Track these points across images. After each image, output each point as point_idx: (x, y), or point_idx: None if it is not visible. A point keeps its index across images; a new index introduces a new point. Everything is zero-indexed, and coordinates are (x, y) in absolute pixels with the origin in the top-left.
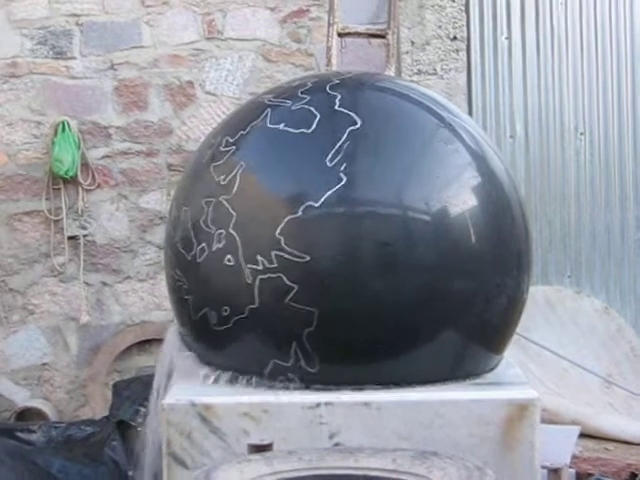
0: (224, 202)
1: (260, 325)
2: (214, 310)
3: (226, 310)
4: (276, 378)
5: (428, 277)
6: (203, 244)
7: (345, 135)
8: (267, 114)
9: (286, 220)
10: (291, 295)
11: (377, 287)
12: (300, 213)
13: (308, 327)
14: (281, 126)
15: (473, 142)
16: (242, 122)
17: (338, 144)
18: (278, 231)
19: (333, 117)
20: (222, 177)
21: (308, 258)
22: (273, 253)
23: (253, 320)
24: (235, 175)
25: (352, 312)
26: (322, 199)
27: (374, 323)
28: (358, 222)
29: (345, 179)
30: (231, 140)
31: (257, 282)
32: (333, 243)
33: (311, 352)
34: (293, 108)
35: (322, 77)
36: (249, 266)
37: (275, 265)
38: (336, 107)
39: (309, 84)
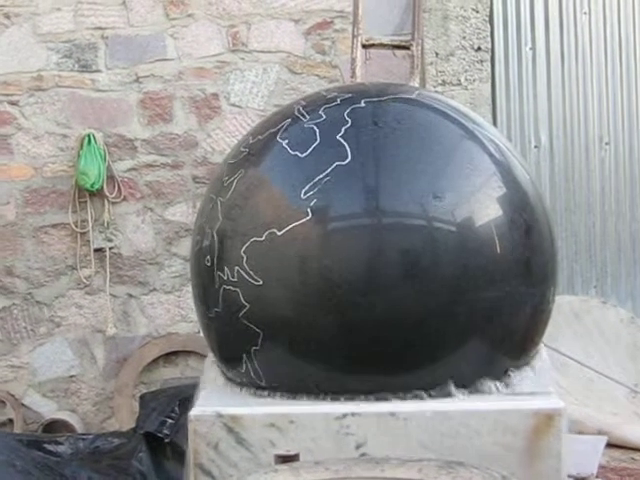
0: (219, 203)
1: (222, 328)
2: (198, 300)
3: (203, 304)
4: (235, 381)
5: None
6: (200, 237)
7: (329, 169)
8: (284, 125)
9: (251, 241)
10: (243, 312)
11: (320, 321)
12: (263, 238)
13: (254, 345)
14: (284, 142)
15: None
16: (266, 126)
17: (318, 177)
18: (243, 249)
19: (329, 146)
20: (226, 177)
21: (261, 282)
22: (236, 268)
23: (217, 322)
24: (234, 180)
25: (294, 340)
26: (285, 229)
27: (323, 352)
28: (310, 258)
29: (310, 215)
30: (250, 142)
31: (221, 290)
32: (285, 273)
33: (257, 368)
34: (305, 125)
35: (355, 95)
36: (218, 273)
37: (236, 280)
38: (338, 136)
39: (338, 100)
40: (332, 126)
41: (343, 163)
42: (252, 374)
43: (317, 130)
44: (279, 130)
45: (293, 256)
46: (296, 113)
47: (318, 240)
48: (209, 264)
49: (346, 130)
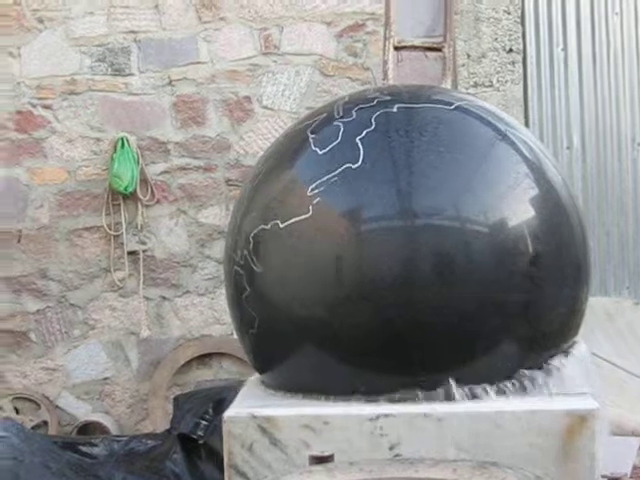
0: (247, 188)
1: (232, 309)
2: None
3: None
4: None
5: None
6: (231, 218)
7: (338, 170)
8: (319, 119)
9: (259, 227)
10: (245, 295)
11: (307, 318)
12: (268, 227)
13: (252, 328)
14: (312, 137)
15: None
16: (308, 117)
17: (326, 177)
18: (252, 234)
19: (346, 147)
20: (260, 163)
21: (261, 269)
22: (244, 251)
23: (230, 301)
24: (263, 166)
25: (283, 329)
26: (287, 223)
27: (309, 340)
28: (303, 255)
29: (310, 212)
30: (290, 131)
31: (233, 269)
32: (282, 264)
33: (252, 351)
34: (334, 123)
35: (393, 98)
36: (232, 253)
37: (242, 263)
38: (357, 138)
39: (375, 101)
40: (356, 127)
41: (353, 166)
42: (251, 356)
43: (342, 129)
44: (313, 123)
45: (289, 250)
46: (334, 109)
47: (314, 239)
48: (230, 242)
49: (367, 133)
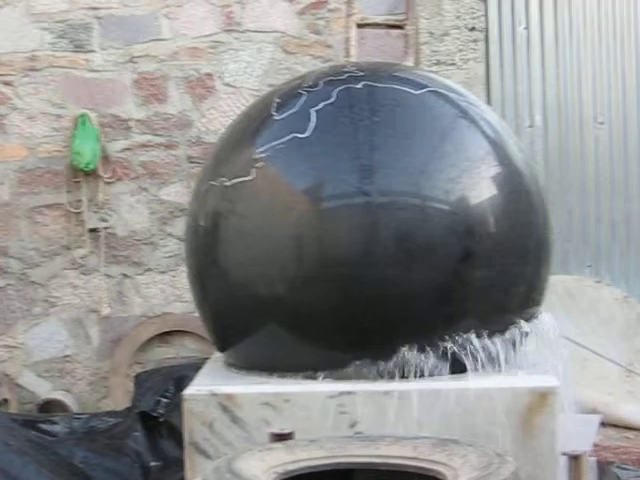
0: (210, 158)
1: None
2: None
3: None
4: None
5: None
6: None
7: (285, 138)
8: (289, 87)
9: (209, 183)
10: (195, 248)
11: (281, 270)
12: (228, 183)
13: (200, 279)
14: (276, 102)
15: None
16: (285, 83)
17: (274, 142)
18: (203, 190)
19: (300, 117)
20: (238, 119)
21: (204, 224)
22: (197, 205)
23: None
24: (231, 125)
25: (238, 287)
26: (231, 182)
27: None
28: (241, 216)
29: (253, 175)
30: (267, 93)
31: (188, 224)
32: (220, 223)
33: (212, 328)
34: (299, 91)
35: (361, 75)
36: (191, 207)
37: (194, 217)
38: (312, 109)
39: (345, 76)
40: (316, 98)
41: (300, 136)
42: (212, 334)
43: (303, 98)
44: (282, 90)
45: (228, 209)
46: (307, 77)
47: (253, 201)
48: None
49: (324, 106)
